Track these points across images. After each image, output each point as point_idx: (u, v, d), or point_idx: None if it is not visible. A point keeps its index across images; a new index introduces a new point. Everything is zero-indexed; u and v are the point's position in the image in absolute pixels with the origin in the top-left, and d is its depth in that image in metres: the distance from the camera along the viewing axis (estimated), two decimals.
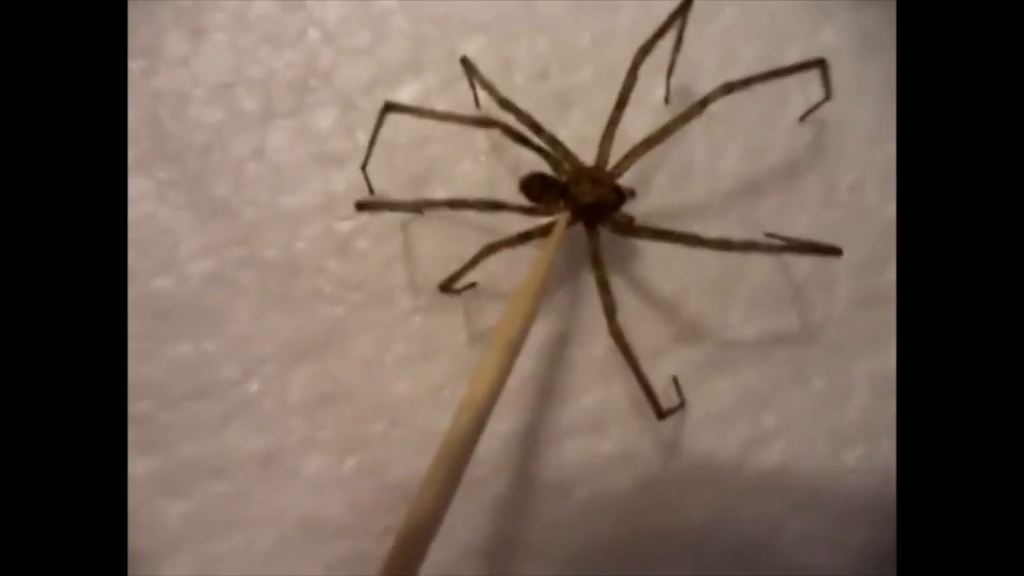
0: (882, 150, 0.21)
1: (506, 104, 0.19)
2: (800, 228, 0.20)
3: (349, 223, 0.20)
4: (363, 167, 0.19)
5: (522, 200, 0.19)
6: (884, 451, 0.20)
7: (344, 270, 0.20)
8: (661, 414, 0.18)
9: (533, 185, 0.18)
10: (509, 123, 0.18)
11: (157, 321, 0.19)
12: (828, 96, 0.20)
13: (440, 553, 0.18)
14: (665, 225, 0.20)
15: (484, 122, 0.18)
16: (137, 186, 0.20)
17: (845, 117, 0.21)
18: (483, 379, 0.15)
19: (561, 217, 0.18)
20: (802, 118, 0.21)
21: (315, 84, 0.21)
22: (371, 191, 0.20)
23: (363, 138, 0.20)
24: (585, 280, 0.20)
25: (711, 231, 0.20)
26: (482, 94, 0.20)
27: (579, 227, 0.19)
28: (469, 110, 0.21)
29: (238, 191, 0.20)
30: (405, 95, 0.21)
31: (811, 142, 0.21)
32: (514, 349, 0.16)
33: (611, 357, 0.20)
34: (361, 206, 0.18)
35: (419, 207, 0.19)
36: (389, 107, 0.18)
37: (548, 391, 0.20)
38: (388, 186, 0.20)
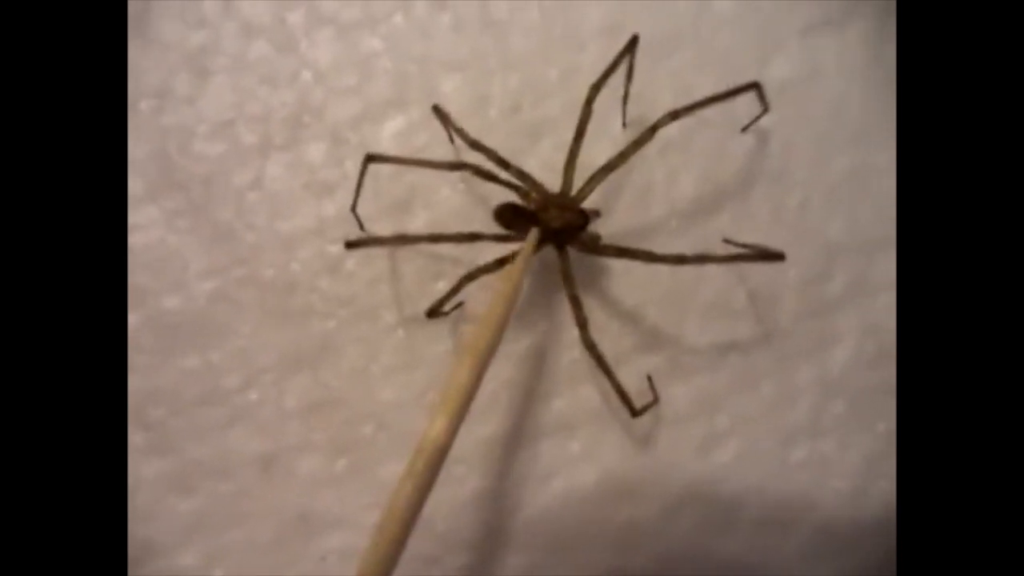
0: (826, 172, 0.23)
1: (475, 145, 0.21)
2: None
3: (339, 246, 0.22)
4: (352, 209, 0.21)
5: (496, 228, 0.21)
6: (826, 449, 0.22)
7: (335, 288, 0.22)
8: (635, 412, 0.20)
9: (505, 214, 0.20)
10: (479, 163, 0.20)
11: (167, 336, 0.21)
12: (766, 109, 0.21)
13: (420, 544, 0.20)
14: (628, 243, 0.22)
15: (456, 165, 0.20)
16: (148, 214, 0.22)
17: (791, 142, 0.23)
18: (458, 379, 0.16)
19: (529, 237, 0.20)
20: (744, 129, 0.23)
21: (308, 120, 0.23)
22: (361, 228, 0.22)
23: (351, 168, 0.22)
24: (553, 297, 0.22)
25: (670, 248, 0.22)
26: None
27: (550, 249, 0.21)
28: (447, 142, 0.23)
29: (239, 217, 0.22)
30: (390, 129, 0.23)
31: (760, 165, 0.23)
32: (487, 352, 0.17)
33: (578, 365, 0.22)
34: (351, 244, 0.20)
35: (403, 242, 0.21)
36: (371, 158, 0.20)
37: (522, 396, 0.22)
38: (373, 211, 0.22)
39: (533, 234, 0.20)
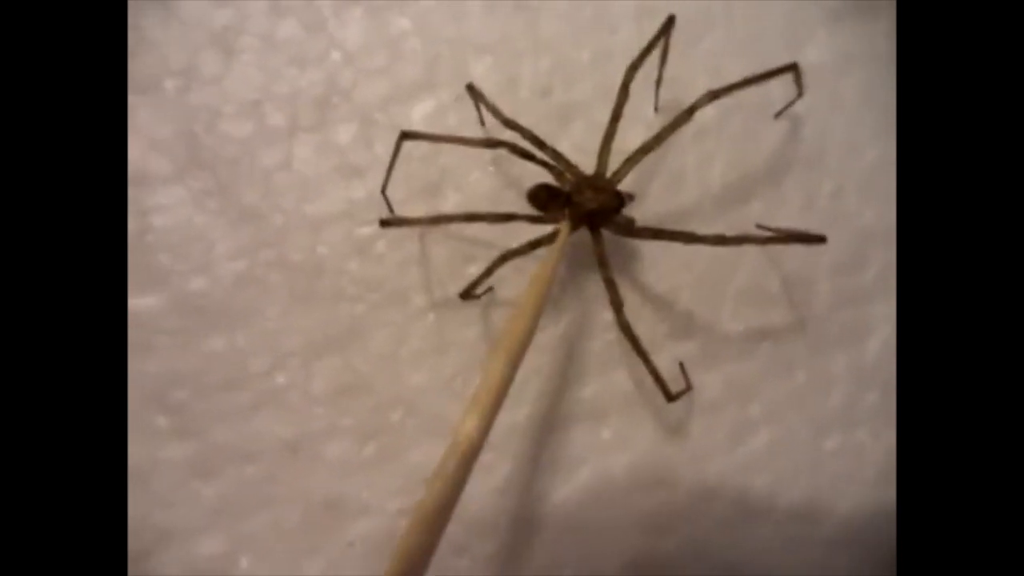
0: (860, 159, 0.23)
1: (510, 124, 0.20)
2: None
3: (368, 228, 0.21)
4: (383, 190, 0.21)
5: (529, 210, 0.20)
6: (860, 438, 0.21)
7: (363, 271, 0.21)
8: (671, 397, 0.20)
9: (539, 195, 0.20)
10: (514, 141, 0.20)
11: (193, 317, 0.21)
12: (801, 93, 0.21)
13: (449, 531, 0.20)
14: (662, 227, 0.22)
15: (492, 143, 0.20)
16: (174, 194, 0.22)
17: (825, 128, 0.23)
18: (492, 377, 0.16)
19: (563, 228, 0.19)
20: (777, 115, 0.22)
21: (337, 101, 0.22)
22: (391, 210, 0.21)
23: (381, 150, 0.22)
24: (583, 281, 0.22)
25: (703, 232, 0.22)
26: (488, 113, 0.22)
27: (583, 232, 0.21)
28: (477, 124, 0.22)
29: (266, 199, 0.22)
30: (419, 111, 0.22)
31: (793, 152, 0.23)
32: (520, 350, 0.16)
33: (609, 350, 0.22)
34: (385, 223, 0.20)
35: (437, 221, 0.20)
36: (405, 135, 0.20)
37: (552, 382, 0.21)
38: (404, 194, 0.22)
39: (565, 228, 0.19)
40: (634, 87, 0.21)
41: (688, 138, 0.22)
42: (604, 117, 0.21)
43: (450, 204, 0.22)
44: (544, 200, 0.20)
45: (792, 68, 0.20)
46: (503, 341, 0.16)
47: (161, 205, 0.21)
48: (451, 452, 0.15)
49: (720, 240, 0.19)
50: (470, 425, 0.15)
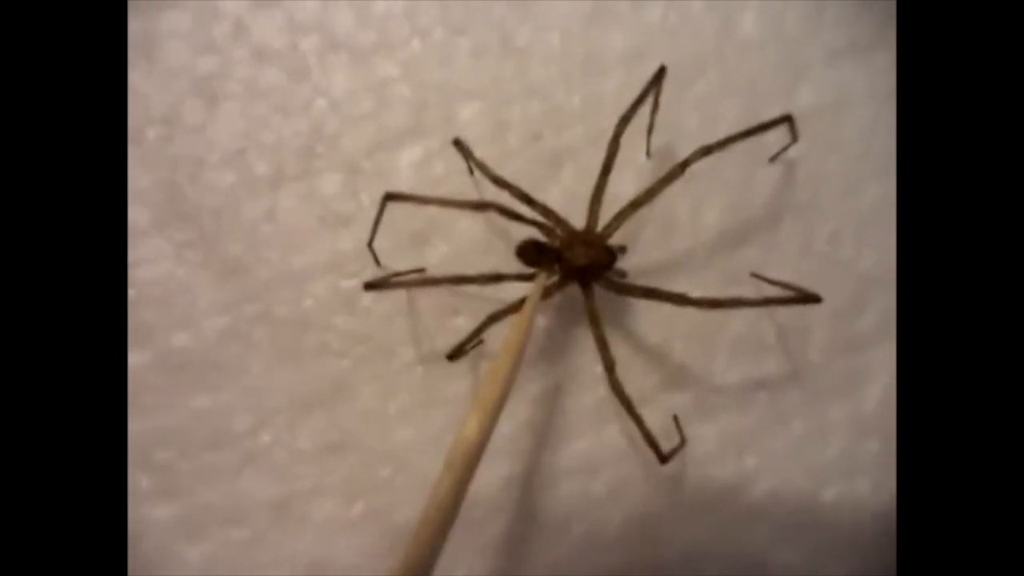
0: (857, 202, 0.22)
1: (498, 181, 0.20)
2: (779, 278, 0.21)
3: (355, 281, 0.21)
4: (369, 244, 0.20)
5: (517, 265, 0.20)
6: (860, 489, 0.21)
7: (350, 325, 0.21)
8: (663, 459, 0.19)
9: (529, 252, 0.20)
10: (502, 203, 0.20)
11: (177, 374, 0.21)
12: (795, 139, 0.21)
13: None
14: (653, 277, 0.22)
15: (480, 205, 0.19)
16: (156, 247, 0.21)
17: (820, 171, 0.22)
18: (465, 436, 0.15)
19: (539, 277, 0.19)
20: (772, 159, 0.22)
21: (322, 150, 0.22)
22: (377, 263, 0.21)
23: (367, 200, 0.22)
24: (575, 335, 0.21)
25: (695, 282, 0.22)
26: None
27: (575, 285, 0.20)
28: (466, 172, 0.22)
29: (251, 251, 0.21)
30: (407, 158, 0.22)
31: (788, 196, 0.22)
32: (497, 406, 0.16)
33: (602, 405, 0.21)
34: (369, 286, 0.19)
35: (423, 284, 0.20)
36: (389, 196, 0.19)
37: (543, 437, 0.21)
38: (391, 245, 0.21)
39: (540, 280, 0.19)
40: (626, 132, 0.21)
41: (680, 184, 0.22)
42: (595, 162, 0.21)
43: (438, 254, 0.22)
44: (534, 256, 0.19)
45: (787, 119, 0.20)
46: (478, 400, 0.16)
47: (142, 258, 0.21)
48: (429, 506, 0.15)
49: (713, 303, 0.18)
50: (448, 478, 0.15)
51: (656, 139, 0.22)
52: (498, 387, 0.16)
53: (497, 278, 0.19)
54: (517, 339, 0.17)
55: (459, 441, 0.15)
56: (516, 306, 0.19)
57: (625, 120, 0.20)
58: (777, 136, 0.21)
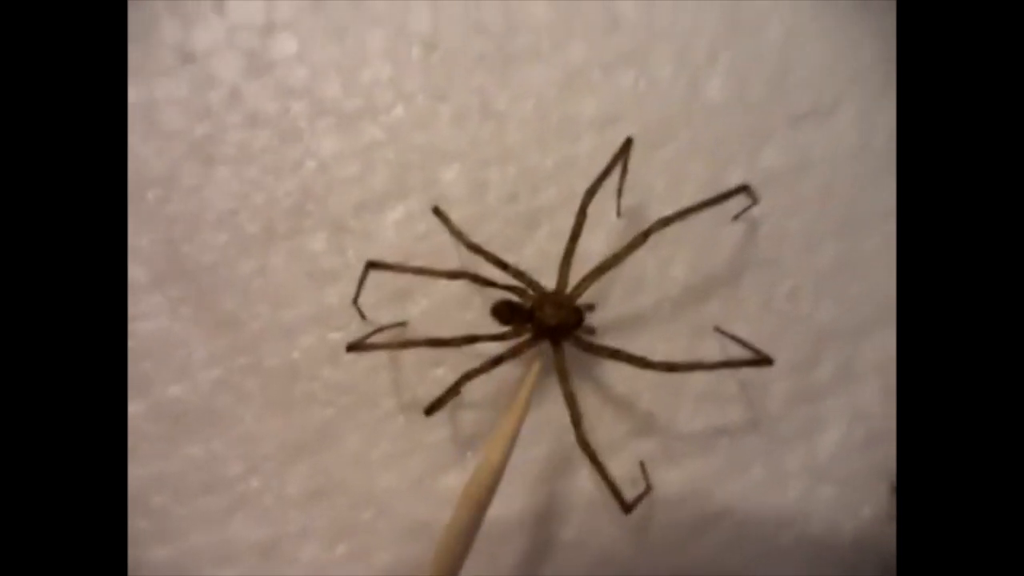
0: (816, 258, 0.24)
1: (474, 248, 0.21)
2: (740, 333, 0.22)
3: (340, 334, 0.22)
4: (354, 301, 0.22)
5: (493, 324, 0.21)
6: (817, 532, 0.22)
7: (335, 376, 0.22)
8: (627, 508, 0.21)
9: (502, 312, 0.21)
10: (478, 266, 0.21)
11: (172, 424, 0.22)
12: (755, 202, 0.22)
13: None
14: (620, 332, 0.23)
15: (454, 275, 0.21)
16: (152, 303, 0.22)
17: (782, 230, 0.24)
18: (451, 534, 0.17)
19: (534, 367, 0.20)
20: (735, 218, 0.23)
21: (310, 209, 0.23)
22: (362, 317, 0.22)
23: (353, 257, 0.23)
24: (546, 384, 0.22)
25: (662, 335, 0.23)
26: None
27: (546, 344, 0.22)
28: (446, 232, 0.23)
29: (243, 306, 0.22)
30: (390, 217, 0.23)
31: (751, 253, 0.23)
32: (486, 500, 0.18)
33: (570, 452, 0.22)
34: (352, 348, 0.21)
35: (403, 346, 0.21)
36: (372, 265, 0.21)
37: (511, 484, 0.22)
38: (374, 299, 0.22)
39: (535, 368, 0.20)
40: (599, 192, 0.22)
41: (648, 241, 0.23)
42: (568, 222, 0.22)
43: (419, 308, 0.23)
44: (507, 316, 0.21)
45: (743, 189, 0.21)
46: (472, 483, 0.18)
47: (142, 313, 0.22)
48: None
49: (671, 368, 0.20)
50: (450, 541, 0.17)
51: (626, 200, 0.23)
52: (491, 473, 0.18)
53: (472, 339, 0.20)
54: (511, 426, 0.18)
55: (479, 470, 0.17)
56: (490, 364, 0.20)
57: (591, 192, 0.21)
58: (740, 196, 0.23)
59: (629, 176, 0.23)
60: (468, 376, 0.20)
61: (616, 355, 0.20)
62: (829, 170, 0.24)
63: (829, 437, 0.23)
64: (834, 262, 0.24)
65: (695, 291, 0.23)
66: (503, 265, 0.21)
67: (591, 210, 0.22)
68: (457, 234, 0.21)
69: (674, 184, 0.24)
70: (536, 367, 0.20)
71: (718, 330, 0.23)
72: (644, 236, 0.21)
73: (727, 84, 0.24)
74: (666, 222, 0.20)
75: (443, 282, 0.23)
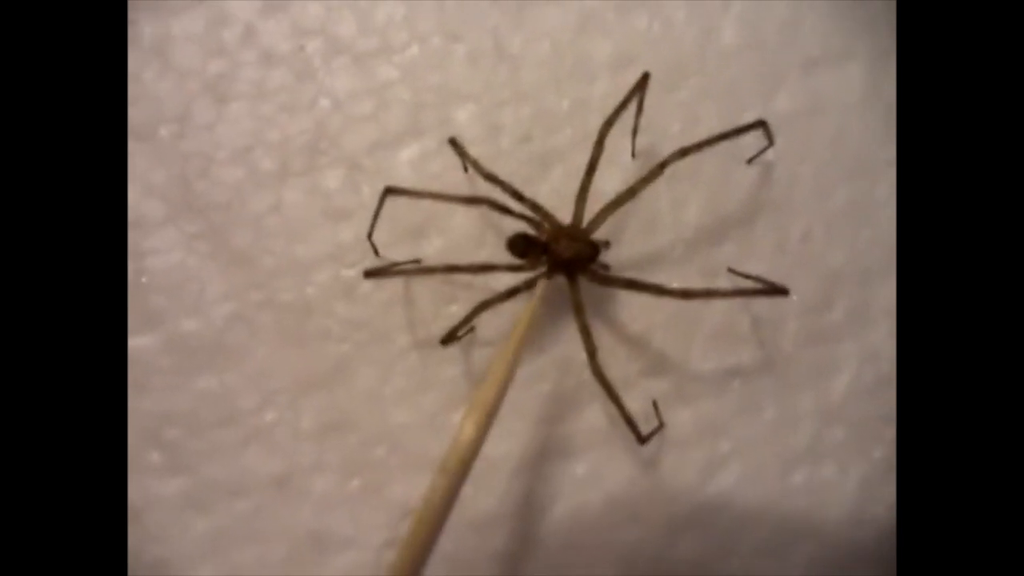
0: (828, 203, 0.24)
1: (490, 177, 0.21)
2: (754, 273, 0.22)
3: (354, 270, 0.22)
4: (369, 236, 0.22)
5: (508, 257, 0.21)
6: (827, 473, 0.22)
7: (350, 312, 0.22)
8: (642, 439, 0.21)
9: (518, 244, 0.21)
10: (494, 196, 0.21)
11: (186, 357, 0.22)
12: (771, 143, 0.22)
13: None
14: (635, 271, 0.23)
15: (473, 200, 0.21)
16: (168, 237, 0.22)
17: (795, 173, 0.24)
18: (462, 440, 0.17)
19: (540, 283, 0.20)
20: (750, 161, 0.23)
21: (325, 147, 0.23)
22: (376, 253, 0.22)
23: (368, 194, 0.23)
24: (560, 322, 0.22)
25: (675, 275, 0.23)
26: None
27: (562, 278, 0.22)
28: (461, 169, 0.23)
29: (257, 242, 0.23)
30: (405, 156, 0.23)
31: (764, 196, 0.24)
32: (493, 409, 0.18)
33: (583, 389, 0.22)
34: (369, 273, 0.21)
35: (419, 272, 0.21)
36: (389, 190, 0.21)
37: (526, 420, 0.22)
38: (389, 237, 0.23)
39: (543, 282, 0.20)
40: (612, 132, 0.22)
41: (663, 183, 0.23)
42: (582, 162, 0.22)
43: (434, 246, 0.23)
44: (522, 249, 0.21)
45: (761, 124, 0.21)
46: (475, 401, 0.17)
47: (156, 248, 0.22)
48: (434, 487, 0.16)
49: (687, 294, 0.20)
50: (456, 455, 0.17)
51: (640, 141, 0.23)
52: (494, 390, 0.18)
53: (488, 268, 0.20)
54: (515, 343, 0.18)
55: (456, 444, 0.17)
56: (505, 295, 0.20)
57: (609, 123, 0.21)
58: (755, 139, 0.23)
59: (644, 118, 0.23)
60: (484, 306, 0.20)
61: (632, 285, 0.20)
62: (841, 116, 0.24)
63: (841, 379, 0.23)
64: (846, 207, 0.24)
65: (709, 232, 0.23)
66: (520, 196, 0.21)
67: (605, 151, 0.22)
68: (474, 164, 0.21)
69: (688, 126, 0.24)
70: (524, 323, 0.20)
71: (731, 270, 0.23)
72: (661, 167, 0.21)
73: (741, 28, 0.24)
74: (684, 152, 0.21)
75: (457, 220, 0.23)
